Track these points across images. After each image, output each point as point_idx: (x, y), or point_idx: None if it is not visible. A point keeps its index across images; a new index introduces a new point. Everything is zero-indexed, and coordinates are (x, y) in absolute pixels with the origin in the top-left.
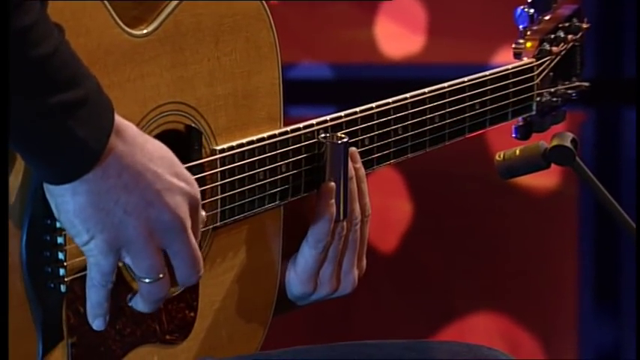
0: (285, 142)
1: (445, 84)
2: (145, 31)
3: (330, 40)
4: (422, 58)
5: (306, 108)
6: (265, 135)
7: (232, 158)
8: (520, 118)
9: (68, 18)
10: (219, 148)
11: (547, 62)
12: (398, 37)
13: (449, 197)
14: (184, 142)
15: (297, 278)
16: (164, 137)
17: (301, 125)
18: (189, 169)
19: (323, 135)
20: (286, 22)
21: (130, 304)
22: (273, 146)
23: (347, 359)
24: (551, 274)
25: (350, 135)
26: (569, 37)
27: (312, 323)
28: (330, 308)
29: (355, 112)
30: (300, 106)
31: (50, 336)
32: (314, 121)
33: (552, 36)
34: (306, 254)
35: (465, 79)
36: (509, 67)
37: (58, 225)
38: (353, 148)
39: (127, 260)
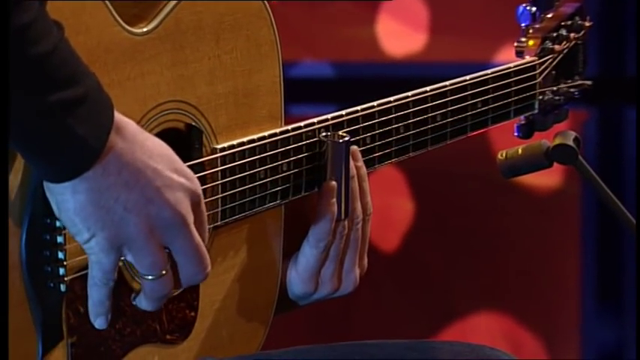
0: (286, 141)
1: (447, 82)
2: (145, 29)
3: (331, 39)
4: (424, 57)
5: (308, 106)
6: (266, 134)
7: (233, 157)
8: (522, 117)
9: (68, 16)
10: (219, 146)
11: (549, 60)
12: (399, 35)
13: (451, 196)
14: (185, 141)
15: (298, 277)
16: (164, 136)
17: (302, 124)
18: (189, 167)
19: (324, 134)
20: (287, 20)
21: (133, 303)
22: (274, 145)
23: (348, 359)
24: (553, 273)
25: (351, 134)
26: (572, 35)
27: (313, 323)
28: (332, 308)
29: (357, 111)
30: (301, 104)
31: (50, 336)
32: (315, 120)
33: (555, 34)
34: (308, 253)
35: (467, 77)
36: (512, 65)
37: (57, 224)
38: (354, 147)
39: (129, 258)
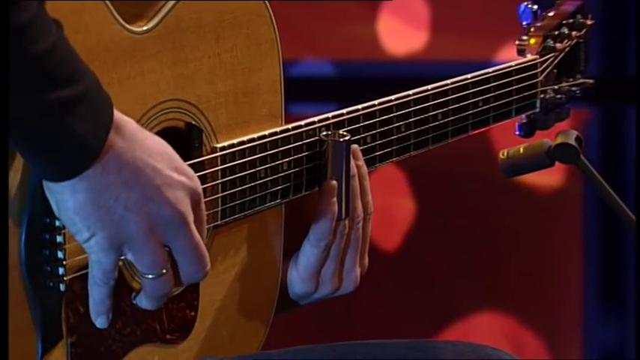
0: (286, 140)
1: (448, 81)
2: (144, 28)
3: (332, 37)
4: (425, 55)
5: (308, 105)
6: (266, 132)
7: (233, 156)
8: (524, 116)
9: (67, 14)
10: (219, 145)
11: (551, 59)
12: (400, 34)
13: (452, 195)
14: (185, 140)
15: (298, 277)
16: (164, 135)
17: (303, 123)
18: (189, 166)
19: (325, 132)
20: (288, 18)
21: (134, 302)
22: (275, 144)
23: (349, 359)
24: (555, 273)
25: (352, 132)
26: (573, 33)
27: (314, 322)
28: (333, 307)
29: (357, 110)
30: (302, 103)
31: (49, 335)
32: (315, 119)
33: (556, 32)
34: (308, 253)
35: (468, 76)
36: (513, 63)
37: (57, 223)
38: (355, 145)
39: (129, 256)
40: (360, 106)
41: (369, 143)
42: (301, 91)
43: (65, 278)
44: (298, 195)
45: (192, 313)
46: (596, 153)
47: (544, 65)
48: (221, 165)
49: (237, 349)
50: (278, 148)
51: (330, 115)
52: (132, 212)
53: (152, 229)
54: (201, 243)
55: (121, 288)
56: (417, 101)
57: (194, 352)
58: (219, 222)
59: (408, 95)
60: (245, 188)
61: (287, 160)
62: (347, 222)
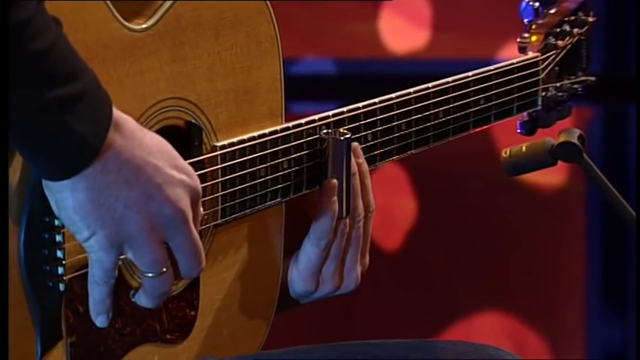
0: (286, 139)
1: (449, 79)
2: (144, 26)
3: (333, 35)
4: (426, 54)
5: (309, 104)
6: (266, 131)
7: (233, 154)
8: (525, 114)
9: (66, 12)
10: (219, 144)
11: (552, 56)
12: (402, 32)
13: (454, 195)
14: (184, 139)
15: (299, 276)
16: (164, 133)
17: (303, 121)
18: (189, 165)
19: (325, 131)
20: (289, 16)
21: (132, 299)
22: (275, 142)
23: (349, 359)
24: (557, 272)
25: (353, 131)
26: (575, 30)
27: (314, 322)
28: (334, 307)
29: (358, 108)
30: (302, 101)
31: (49, 335)
32: (316, 117)
33: (558, 30)
34: (308, 252)
35: (470, 73)
36: (514, 61)
37: (56, 223)
38: (355, 143)
39: (130, 255)
40: (360, 104)
41: (370, 141)
42: (302, 90)
43: (64, 278)
44: (299, 194)
45: (193, 313)
46: (599, 152)
47: (545, 63)
48: (221, 164)
49: (237, 348)
50: (278, 146)
51: (330, 113)
52: (132, 211)
53: (153, 228)
54: (199, 240)
55: (121, 287)
56: (417, 99)
57: (194, 351)
58: (219, 221)
59: (409, 93)
60: (245, 187)
61: (287, 158)
62: (347, 221)
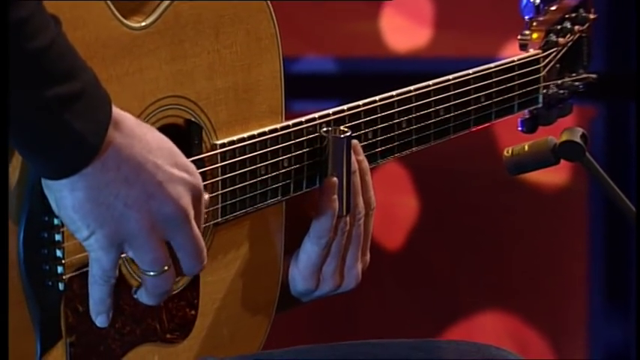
0: (286, 137)
1: (450, 76)
2: (143, 24)
3: (334, 34)
4: (428, 52)
5: (311, 102)
6: (266, 129)
7: (233, 153)
8: (526, 111)
9: (65, 10)
10: (219, 142)
11: (553, 54)
12: (404, 30)
13: (456, 194)
14: (184, 137)
15: (299, 275)
16: (164, 132)
17: (303, 119)
18: None
19: (325, 129)
20: (290, 15)
21: (135, 297)
22: (275, 140)
23: (351, 359)
24: (560, 272)
25: (353, 129)
26: (576, 27)
27: (316, 322)
28: (335, 307)
29: (358, 106)
30: (304, 100)
31: (48, 335)
32: (316, 115)
33: (559, 27)
34: (309, 250)
35: (470, 71)
36: (515, 58)
37: (56, 222)
38: (355, 141)
39: (130, 254)
40: (361, 102)
41: (371, 139)
42: (303, 88)
43: (64, 277)
44: (299, 192)
45: (193, 312)
46: (602, 150)
47: (547, 60)
48: (221, 162)
49: (238, 348)
50: (278, 144)
51: (330, 111)
52: (132, 209)
53: (153, 226)
54: (200, 238)
55: (121, 286)
56: (418, 97)
57: (194, 351)
58: (219, 220)
59: (410, 91)
60: (245, 185)
61: (287, 156)
62: (348, 219)
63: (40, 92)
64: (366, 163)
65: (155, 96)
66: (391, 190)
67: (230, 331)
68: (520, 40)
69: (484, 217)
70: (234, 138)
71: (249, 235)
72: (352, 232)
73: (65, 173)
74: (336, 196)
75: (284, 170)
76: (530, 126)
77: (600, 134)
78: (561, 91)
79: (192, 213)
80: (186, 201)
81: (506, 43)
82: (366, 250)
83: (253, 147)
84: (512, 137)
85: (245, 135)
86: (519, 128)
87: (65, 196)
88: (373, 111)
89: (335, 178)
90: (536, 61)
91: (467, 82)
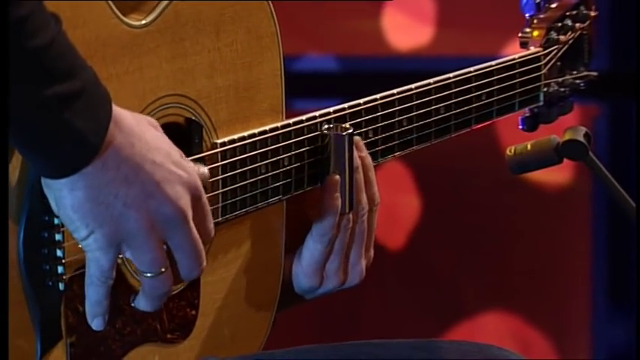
0: (287, 135)
1: (451, 74)
2: (143, 22)
3: (336, 32)
4: (430, 50)
5: (312, 101)
6: (267, 128)
7: (233, 151)
8: (527, 109)
9: (65, 9)
10: (220, 141)
11: (554, 51)
12: (405, 29)
13: (458, 193)
14: (184, 136)
15: (302, 272)
16: (164, 130)
17: (304, 117)
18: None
19: (326, 126)
20: (292, 13)
21: (132, 305)
22: (275, 139)
23: (353, 359)
24: (563, 272)
25: (354, 127)
26: (577, 25)
27: (317, 322)
28: (337, 307)
29: (359, 104)
30: (305, 98)
31: (49, 335)
32: (317, 113)
33: (559, 24)
34: (312, 248)
35: (471, 69)
36: (516, 56)
37: (56, 221)
38: (357, 137)
39: (128, 255)
40: (361, 101)
41: (371, 138)
42: (305, 87)
43: (64, 277)
44: (300, 191)
45: (193, 312)
46: (605, 150)
47: (547, 58)
48: (221, 161)
49: (238, 348)
50: (279, 143)
51: (331, 109)
52: (131, 209)
53: (152, 226)
54: (199, 240)
55: (121, 287)
56: (419, 95)
57: (195, 351)
58: (219, 219)
59: (411, 89)
60: (246, 184)
61: (288, 155)
62: (351, 216)
63: (40, 91)
64: (369, 160)
65: (155, 94)
66: (393, 190)
67: (231, 331)
68: (521, 37)
69: (486, 217)
70: (235, 137)
71: (249, 234)
72: (355, 229)
73: (65, 172)
74: (338, 194)
75: (284, 169)
76: (530, 124)
77: (603, 133)
78: (562, 89)
79: (190, 214)
80: (185, 201)
81: (508, 41)
82: (370, 246)
83: (254, 146)
84: (514, 136)
85: (245, 133)
86: (520, 126)
87: (65, 196)
88: (374, 109)
89: (337, 176)
90: (537, 59)
91: (468, 80)
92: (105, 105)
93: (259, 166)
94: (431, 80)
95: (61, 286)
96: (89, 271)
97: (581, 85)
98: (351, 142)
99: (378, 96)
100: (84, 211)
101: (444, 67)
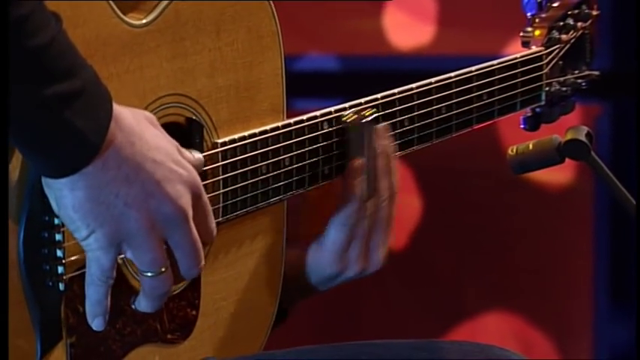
0: (288, 135)
1: (452, 74)
2: (144, 21)
3: (337, 31)
4: (431, 50)
5: (313, 100)
6: (268, 127)
7: (234, 151)
8: (528, 109)
9: (66, 8)
10: (220, 141)
11: (556, 51)
12: (407, 28)
13: (460, 193)
14: (185, 135)
15: (324, 260)
16: (164, 130)
17: (305, 117)
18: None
19: (348, 112)
20: (293, 12)
21: (133, 306)
22: (276, 139)
23: (354, 359)
24: (565, 272)
25: None
26: (579, 24)
27: (318, 322)
28: (338, 307)
29: (360, 104)
30: (306, 98)
31: (49, 335)
32: (318, 113)
33: (561, 23)
34: (334, 235)
35: (473, 68)
36: (518, 56)
37: (56, 221)
38: (380, 125)
39: (129, 254)
40: (362, 100)
41: None
42: (306, 86)
43: (64, 277)
44: (300, 190)
45: (194, 312)
46: (607, 149)
47: (549, 57)
48: (222, 161)
49: (239, 348)
50: (280, 143)
51: (332, 109)
52: (132, 208)
53: (153, 226)
54: (198, 239)
55: (122, 287)
56: (420, 95)
57: (196, 351)
58: (220, 219)
59: (412, 89)
60: (246, 184)
61: (289, 155)
62: (372, 202)
63: (40, 90)
64: (390, 148)
65: (156, 94)
66: None
67: (231, 331)
68: (522, 37)
69: (488, 217)
70: (235, 136)
71: (250, 234)
72: (376, 215)
73: (66, 172)
74: (360, 179)
75: (285, 169)
76: (532, 124)
77: (605, 133)
78: (564, 89)
79: (190, 213)
80: (186, 201)
81: (509, 40)
82: (389, 233)
83: (254, 145)
84: (515, 135)
85: (246, 133)
86: (521, 126)
87: (65, 195)
88: (374, 109)
89: (359, 162)
90: (539, 59)
91: (469, 80)
92: (105, 104)
93: (260, 166)
94: (432, 80)
95: (61, 287)
96: (90, 271)
97: (583, 84)
98: (371, 129)
99: (379, 95)
100: (84, 210)
101: (445, 66)
